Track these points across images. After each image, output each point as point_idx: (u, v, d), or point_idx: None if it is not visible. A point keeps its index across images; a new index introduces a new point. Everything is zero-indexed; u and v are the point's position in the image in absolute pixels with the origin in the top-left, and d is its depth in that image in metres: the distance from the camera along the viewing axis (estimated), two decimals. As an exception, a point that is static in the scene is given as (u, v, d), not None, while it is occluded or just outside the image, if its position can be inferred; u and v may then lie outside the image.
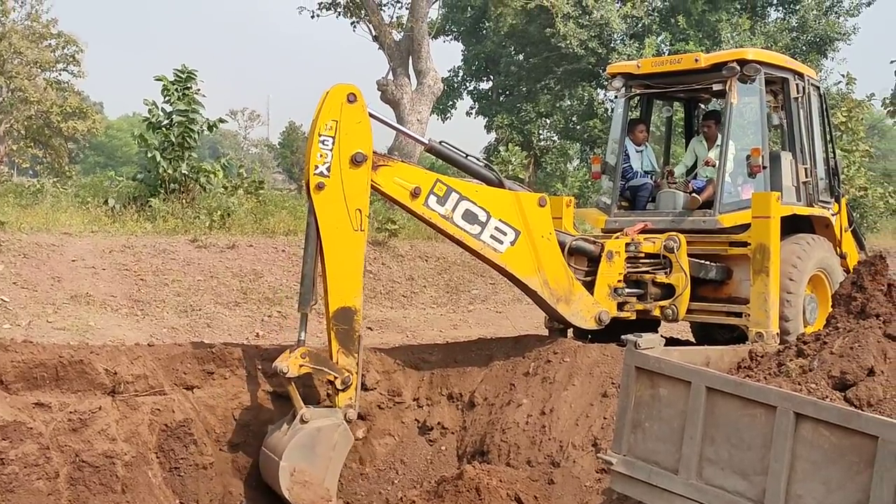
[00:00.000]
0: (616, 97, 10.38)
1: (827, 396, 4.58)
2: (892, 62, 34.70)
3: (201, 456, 7.78)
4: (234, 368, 8.37)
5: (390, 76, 25.93)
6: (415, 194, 7.79)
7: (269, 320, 13.49)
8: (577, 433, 7.74)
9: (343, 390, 7.55)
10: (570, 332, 9.56)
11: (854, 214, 11.68)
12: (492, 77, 38.11)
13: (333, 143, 7.37)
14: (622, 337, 5.41)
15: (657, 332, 9.63)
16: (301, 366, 7.34)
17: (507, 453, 7.92)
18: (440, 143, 8.34)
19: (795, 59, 10.17)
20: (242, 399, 8.32)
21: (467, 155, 8.43)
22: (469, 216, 8.04)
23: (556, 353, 8.63)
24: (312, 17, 28.98)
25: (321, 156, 7.36)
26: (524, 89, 36.35)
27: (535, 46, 34.83)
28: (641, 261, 9.20)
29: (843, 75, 32.09)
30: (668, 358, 5.18)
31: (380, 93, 25.60)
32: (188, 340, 9.84)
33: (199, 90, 17.04)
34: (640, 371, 5.12)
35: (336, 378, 7.50)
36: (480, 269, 18.19)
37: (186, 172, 16.81)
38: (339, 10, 28.88)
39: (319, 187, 7.34)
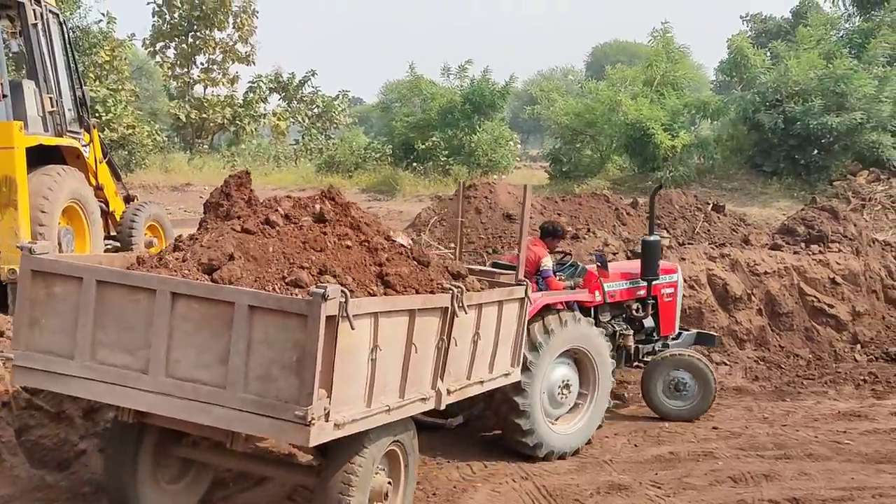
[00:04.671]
0: None
1: (198, 279, 5.44)
2: (148, 3, 35.86)
3: None
4: None
5: None
6: None
7: None
8: None
9: None
10: None
11: (108, 146, 11.84)
12: None
13: None
14: (18, 246, 5.75)
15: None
16: None
17: None
18: None
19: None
20: None
21: None
22: None
23: None
24: None
25: None
26: None
27: None
28: None
29: (103, 14, 32.34)
30: (63, 259, 6.00)
31: None
32: None
33: None
34: (36, 273, 5.56)
35: None
36: None
37: None
38: None
39: None
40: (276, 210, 6.18)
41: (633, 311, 10.22)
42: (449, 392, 6.36)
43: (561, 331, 8.52)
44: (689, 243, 15.39)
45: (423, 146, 31.29)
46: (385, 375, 5.60)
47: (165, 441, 6.18)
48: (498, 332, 7.05)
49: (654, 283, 10.13)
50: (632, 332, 10.09)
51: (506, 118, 36.73)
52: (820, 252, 14.78)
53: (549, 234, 9.75)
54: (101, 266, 5.71)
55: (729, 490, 7.79)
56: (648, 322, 10.30)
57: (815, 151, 25.63)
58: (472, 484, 7.84)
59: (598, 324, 9.80)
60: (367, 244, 6.25)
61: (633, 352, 10.17)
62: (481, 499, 7.53)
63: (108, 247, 10.43)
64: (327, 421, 5.03)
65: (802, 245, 15.54)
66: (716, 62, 53.66)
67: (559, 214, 17.15)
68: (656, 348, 10.34)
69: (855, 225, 16.62)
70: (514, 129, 39.27)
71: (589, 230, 16.66)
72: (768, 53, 29.59)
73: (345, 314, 4.96)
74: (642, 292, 10.15)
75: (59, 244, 9.15)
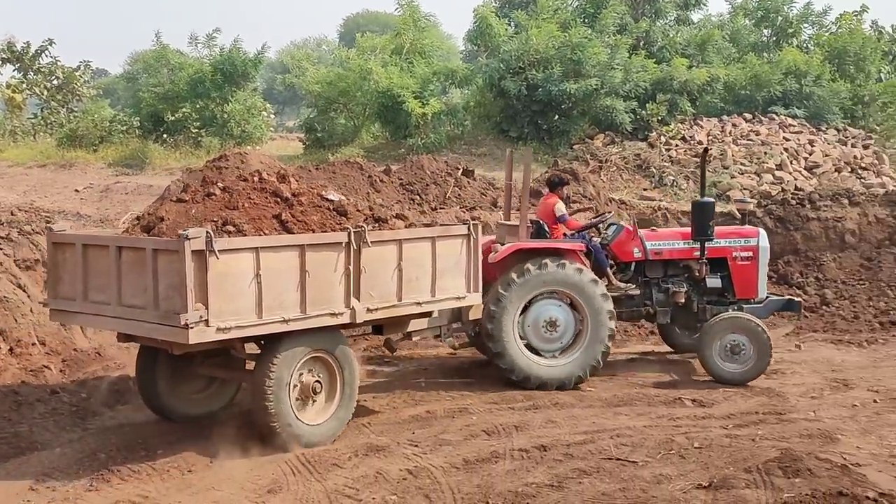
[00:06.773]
0: None
1: (140, 237, 7.87)
2: None
3: None
4: None
5: None
6: None
7: None
8: None
9: None
10: None
11: None
12: None
13: None
14: (45, 227, 9.06)
15: None
16: None
17: None
18: None
19: None
20: None
21: None
22: None
23: None
24: None
25: None
26: None
27: None
28: None
29: None
30: (67, 232, 8.34)
31: None
32: None
33: None
34: (55, 245, 8.16)
35: None
36: None
37: None
38: None
39: None
40: (216, 184, 8.38)
41: (697, 272, 10.69)
42: (369, 310, 8.07)
43: (538, 274, 9.72)
44: (440, 208, 15.82)
45: (173, 118, 30.06)
46: (278, 295, 7.46)
47: (179, 362, 8.40)
48: (434, 263, 8.54)
49: (709, 244, 10.51)
50: (684, 289, 10.53)
51: (259, 88, 35.91)
52: (562, 212, 15.62)
53: (556, 184, 11.24)
54: (87, 234, 9.36)
55: (483, 443, 8.16)
56: (713, 283, 10.67)
57: (557, 117, 26.84)
58: (231, 457, 7.76)
59: (647, 280, 10.53)
60: (286, 202, 8.15)
61: (697, 311, 10.66)
62: (239, 473, 7.47)
63: None
64: (208, 326, 7.03)
65: (546, 206, 16.29)
66: (464, 32, 55.13)
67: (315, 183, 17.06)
68: (729, 311, 10.57)
69: (594, 185, 17.70)
70: (269, 101, 38.45)
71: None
72: (511, 23, 30.65)
73: (211, 249, 6.92)
74: (697, 253, 10.56)
75: None
